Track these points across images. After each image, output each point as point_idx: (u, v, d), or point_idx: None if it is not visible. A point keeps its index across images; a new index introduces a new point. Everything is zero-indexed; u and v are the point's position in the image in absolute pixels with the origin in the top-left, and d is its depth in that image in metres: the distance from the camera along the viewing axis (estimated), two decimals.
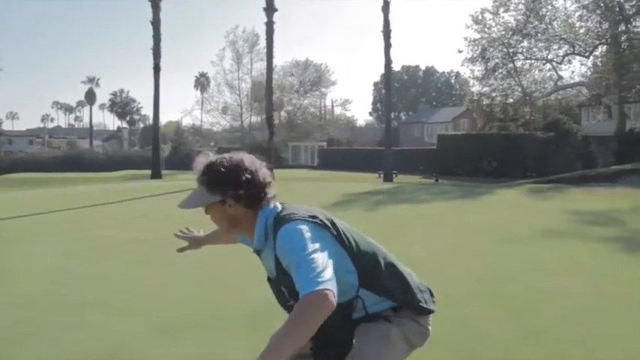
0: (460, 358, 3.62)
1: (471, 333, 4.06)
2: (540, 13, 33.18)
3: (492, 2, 33.35)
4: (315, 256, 1.77)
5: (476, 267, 6.33)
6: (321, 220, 1.94)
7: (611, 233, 8.55)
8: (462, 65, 36.27)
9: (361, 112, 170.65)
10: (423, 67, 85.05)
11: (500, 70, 34.81)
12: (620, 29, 30.53)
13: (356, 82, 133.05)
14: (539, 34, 33.55)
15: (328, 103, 67.02)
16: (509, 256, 6.95)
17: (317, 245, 1.82)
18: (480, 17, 33.87)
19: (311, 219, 1.92)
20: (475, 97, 36.79)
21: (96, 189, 18.43)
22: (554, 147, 31.62)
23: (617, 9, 29.95)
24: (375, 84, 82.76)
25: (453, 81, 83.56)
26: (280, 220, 1.92)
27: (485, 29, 34.13)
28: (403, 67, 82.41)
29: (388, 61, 30.17)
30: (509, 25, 33.59)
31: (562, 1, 53.74)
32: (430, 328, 2.12)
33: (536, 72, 35.28)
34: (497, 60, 34.53)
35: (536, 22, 33.26)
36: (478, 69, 35.00)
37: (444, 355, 3.49)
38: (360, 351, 1.98)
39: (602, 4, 30.16)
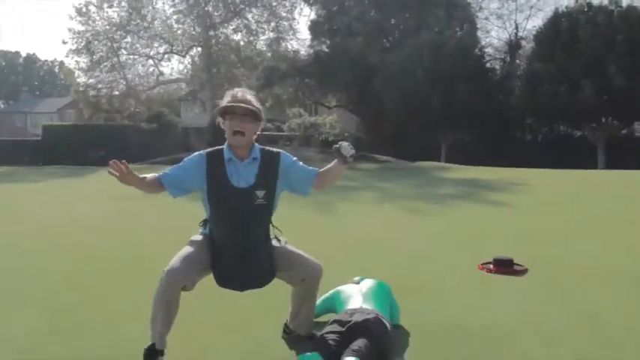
0: None
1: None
2: (142, 12, 35.03)
3: None
4: None
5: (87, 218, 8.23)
6: None
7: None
8: (67, 56, 36.13)
9: None
10: (23, 54, 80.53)
11: (105, 63, 35.73)
12: (210, 34, 34.82)
13: None
14: (141, 32, 35.57)
15: None
16: (112, 208, 9.02)
17: None
18: (84, 10, 34.44)
19: None
20: (81, 89, 36.76)
21: None
22: (158, 137, 34.38)
23: (208, 17, 34.20)
24: None
25: (57, 70, 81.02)
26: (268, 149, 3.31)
27: (90, 22, 34.82)
28: (0, 52, 76.67)
29: None
30: (114, 20, 34.89)
31: (161, 4, 57.10)
32: None
33: (140, 67, 37.26)
34: (102, 53, 35.42)
35: (139, 21, 35.12)
36: (84, 61, 35.38)
37: None
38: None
39: (195, 11, 34.03)
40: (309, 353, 2.98)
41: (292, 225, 3.44)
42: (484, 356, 3.32)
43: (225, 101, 3.14)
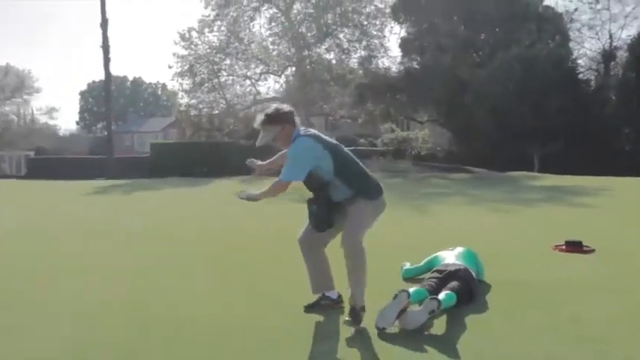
0: None
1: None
2: (240, 36, 37.08)
3: (198, 22, 36.96)
4: (295, 159, 3.78)
5: (213, 225, 9.65)
6: (314, 135, 3.90)
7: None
8: (173, 80, 38.86)
9: (66, 121, 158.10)
10: (130, 78, 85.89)
11: (206, 85, 38.13)
12: (304, 54, 36.53)
13: (62, 90, 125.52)
14: (239, 54, 37.65)
15: (35, 111, 63.98)
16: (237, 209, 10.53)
17: (301, 152, 3.76)
18: (187, 35, 37.14)
19: (308, 135, 3.88)
20: (183, 109, 39.32)
21: None
22: (255, 153, 35.80)
23: (302, 38, 35.97)
24: (82, 93, 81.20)
25: (160, 92, 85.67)
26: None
27: (192, 46, 37.42)
28: (112, 77, 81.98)
29: (108, 75, 32.13)
30: (214, 44, 37.20)
31: (258, 28, 59.54)
32: (384, 199, 4.01)
33: (238, 87, 39.30)
34: (203, 75, 37.77)
35: (237, 44, 37.20)
36: (186, 82, 37.84)
37: None
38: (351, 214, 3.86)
39: (289, 33, 35.91)
40: (418, 288, 4.08)
41: (395, 221, 4.61)
42: (547, 304, 4.31)
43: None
